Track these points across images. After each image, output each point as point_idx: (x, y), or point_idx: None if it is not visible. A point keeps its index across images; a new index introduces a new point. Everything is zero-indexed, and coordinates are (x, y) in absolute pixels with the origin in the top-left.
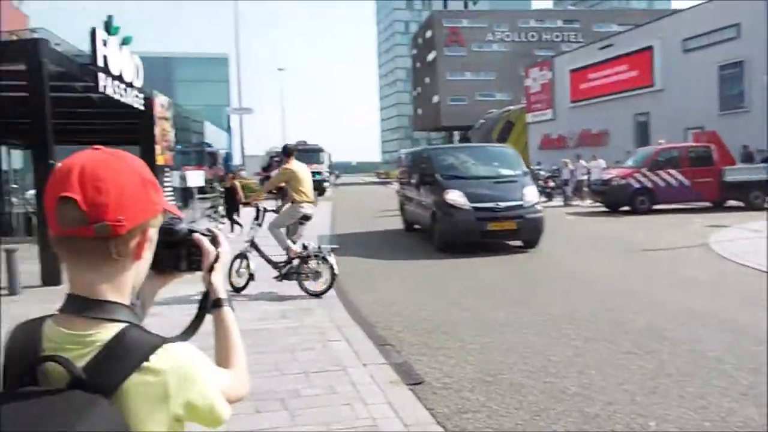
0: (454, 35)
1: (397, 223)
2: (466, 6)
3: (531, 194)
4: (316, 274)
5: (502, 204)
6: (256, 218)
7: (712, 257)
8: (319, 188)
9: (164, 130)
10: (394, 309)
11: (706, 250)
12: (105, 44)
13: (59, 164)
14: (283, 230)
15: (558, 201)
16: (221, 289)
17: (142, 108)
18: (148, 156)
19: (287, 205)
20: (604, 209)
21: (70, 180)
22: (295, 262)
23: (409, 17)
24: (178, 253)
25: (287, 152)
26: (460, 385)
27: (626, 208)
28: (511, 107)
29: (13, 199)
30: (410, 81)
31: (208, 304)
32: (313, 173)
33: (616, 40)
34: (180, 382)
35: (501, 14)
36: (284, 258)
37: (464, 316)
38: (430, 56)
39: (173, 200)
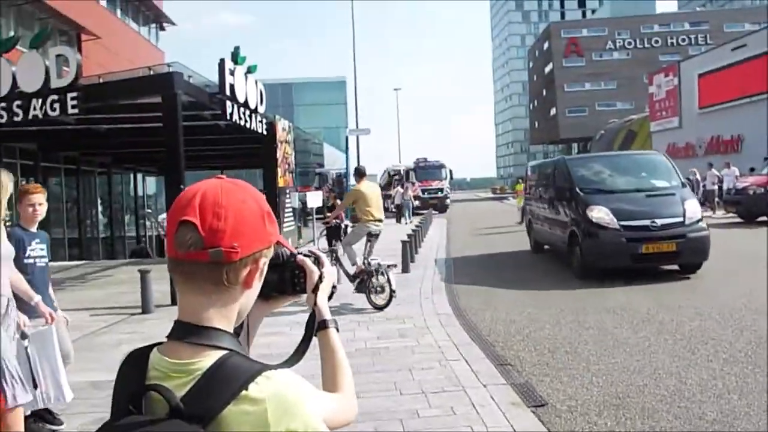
0: (573, 45)
1: (522, 243)
2: (584, 15)
3: (693, 209)
4: (380, 289)
5: (659, 221)
6: (340, 235)
7: None
8: (441, 206)
9: (286, 153)
10: (514, 328)
11: None
12: (232, 73)
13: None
14: (355, 247)
15: None
16: (326, 310)
17: (265, 133)
18: (270, 178)
19: (356, 225)
20: (737, 220)
21: (192, 204)
22: (364, 276)
23: (525, 31)
24: (282, 276)
25: (358, 173)
26: (586, 408)
27: (764, 218)
28: (634, 116)
29: (147, 223)
30: (526, 94)
31: (314, 326)
32: (435, 190)
33: (749, 40)
34: (281, 411)
35: (622, 21)
36: (353, 273)
37: (587, 335)
38: (548, 68)
39: (292, 220)
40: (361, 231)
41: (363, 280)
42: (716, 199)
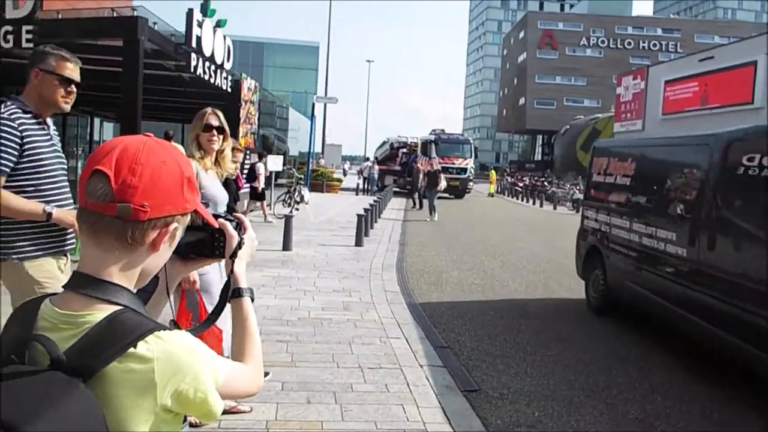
0: (548, 38)
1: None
2: (562, 8)
3: None
4: None
5: None
6: None
7: None
8: (462, 189)
9: (249, 113)
10: (458, 312)
11: None
12: (200, 25)
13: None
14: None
15: None
16: (242, 278)
17: (230, 90)
18: (232, 137)
19: None
20: None
21: (110, 156)
22: None
23: (502, 17)
24: (202, 237)
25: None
26: (517, 396)
27: None
28: (599, 115)
29: None
30: (498, 81)
31: (229, 292)
32: (457, 170)
33: (717, 53)
34: (170, 371)
35: (598, 19)
36: None
37: (528, 325)
38: (521, 57)
39: (248, 183)
40: None
41: None
42: None
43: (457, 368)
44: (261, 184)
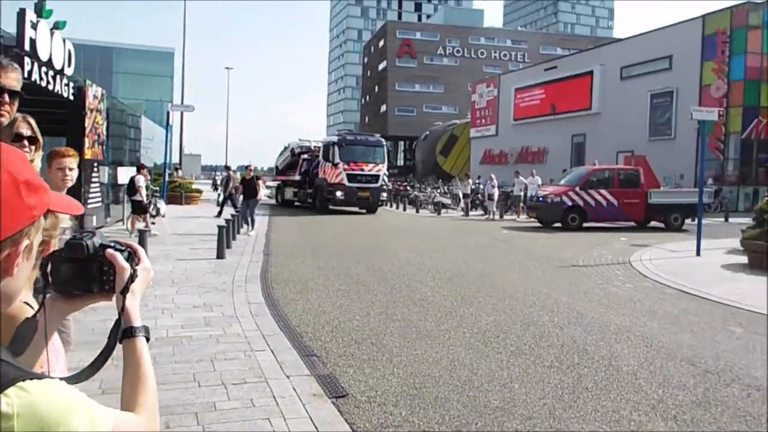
0: (407, 47)
1: None
2: (419, 19)
3: None
4: None
5: None
6: None
7: (633, 274)
8: (374, 201)
9: (96, 123)
10: (324, 318)
11: (627, 267)
12: (34, 27)
13: None
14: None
15: (482, 213)
16: (136, 315)
17: (72, 98)
18: (75, 149)
19: None
20: (537, 225)
21: None
22: None
23: (362, 26)
24: (87, 271)
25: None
26: (385, 398)
27: (558, 224)
28: (457, 121)
29: None
30: (359, 89)
31: (119, 332)
32: (367, 177)
33: (560, 63)
34: (34, 428)
35: (453, 29)
36: None
37: (394, 327)
38: (381, 65)
39: (100, 197)
40: None
41: None
42: (521, 204)
43: (325, 376)
44: (143, 196)
